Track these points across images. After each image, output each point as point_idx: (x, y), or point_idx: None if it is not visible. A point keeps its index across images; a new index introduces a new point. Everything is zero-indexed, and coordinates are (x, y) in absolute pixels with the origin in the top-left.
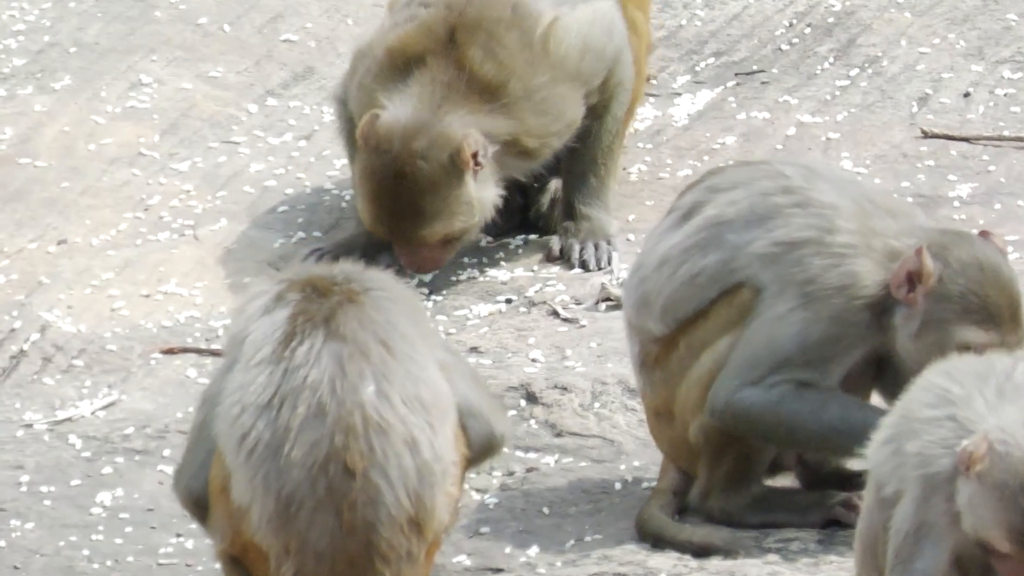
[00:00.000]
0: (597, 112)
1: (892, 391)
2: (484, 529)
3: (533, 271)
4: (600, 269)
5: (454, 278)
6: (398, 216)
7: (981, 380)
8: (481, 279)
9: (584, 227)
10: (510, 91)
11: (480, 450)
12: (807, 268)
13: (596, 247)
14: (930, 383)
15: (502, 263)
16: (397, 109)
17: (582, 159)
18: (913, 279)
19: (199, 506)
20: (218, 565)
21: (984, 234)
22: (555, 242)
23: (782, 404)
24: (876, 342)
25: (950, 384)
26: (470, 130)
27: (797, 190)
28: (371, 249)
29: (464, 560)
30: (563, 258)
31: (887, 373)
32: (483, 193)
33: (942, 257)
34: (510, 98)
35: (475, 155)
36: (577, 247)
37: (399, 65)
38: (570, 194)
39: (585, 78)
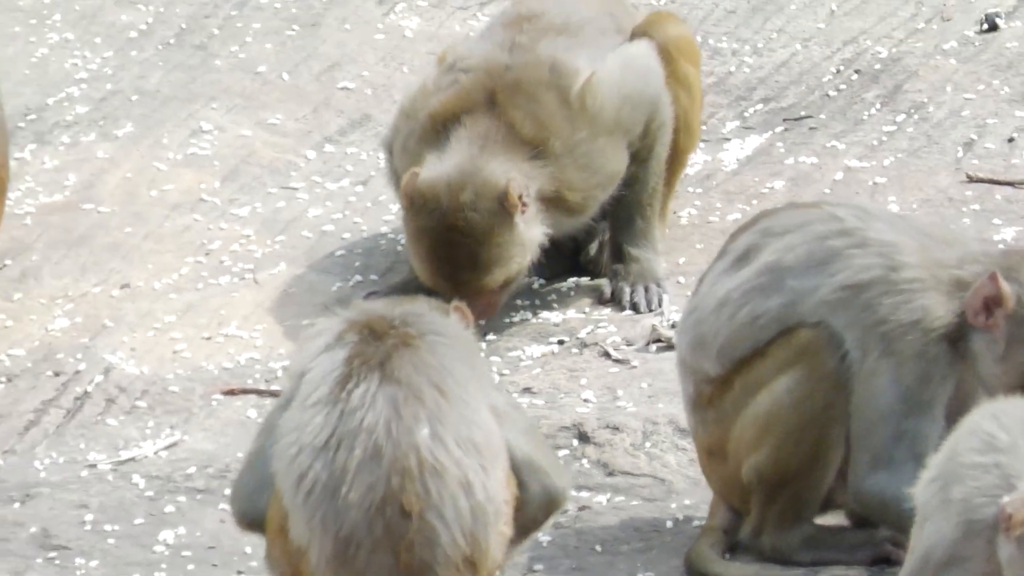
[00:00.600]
0: (641, 157)
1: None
2: (537, 567)
3: (585, 313)
4: (651, 311)
5: (507, 320)
6: (457, 269)
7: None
8: (534, 321)
9: (633, 269)
10: (550, 148)
11: (540, 505)
12: (877, 309)
13: (646, 289)
14: (978, 427)
15: (554, 305)
16: (438, 165)
17: (629, 203)
18: (990, 304)
19: (253, 528)
20: None
21: None
22: (606, 285)
23: (896, 469)
24: (958, 375)
25: (997, 430)
26: (511, 173)
27: (854, 231)
28: (425, 292)
29: None
30: (614, 300)
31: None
32: (531, 233)
33: (1015, 279)
34: (551, 155)
35: (520, 197)
36: (628, 290)
37: (440, 129)
38: (618, 237)
39: (625, 127)
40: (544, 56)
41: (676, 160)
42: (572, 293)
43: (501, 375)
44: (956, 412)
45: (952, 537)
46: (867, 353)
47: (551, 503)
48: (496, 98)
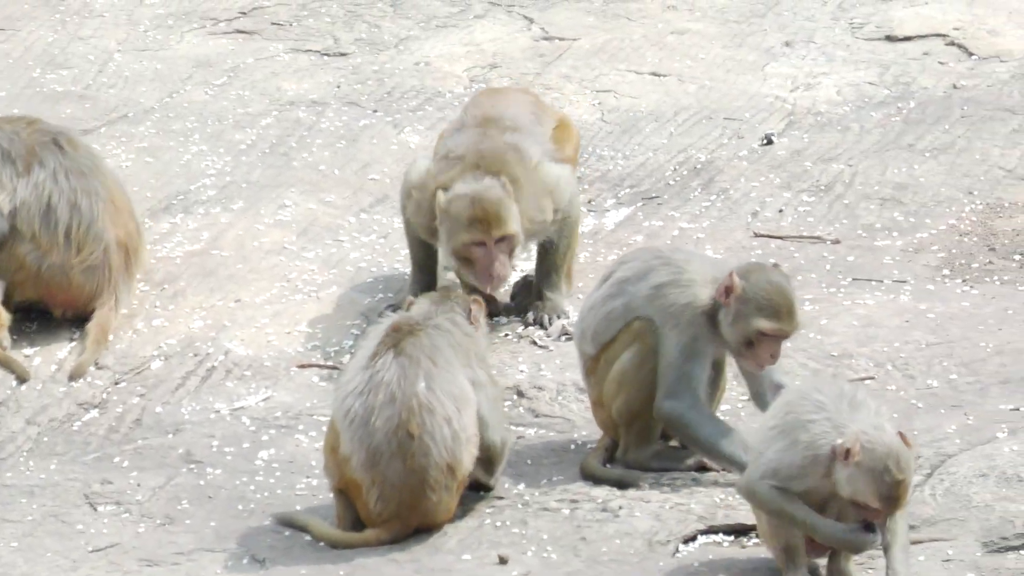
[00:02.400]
0: (559, 227)
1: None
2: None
3: (519, 327)
4: (549, 327)
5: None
6: (489, 220)
7: (839, 397)
8: (493, 329)
9: (547, 306)
10: (518, 192)
11: (486, 451)
12: (669, 299)
13: (556, 317)
14: (808, 395)
15: (503, 321)
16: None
17: (548, 263)
18: (728, 291)
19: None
20: (331, 495)
21: (775, 265)
22: (530, 315)
23: (685, 412)
24: (716, 337)
25: (822, 398)
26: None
27: (664, 257)
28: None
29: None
30: (535, 323)
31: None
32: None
33: (745, 277)
34: (518, 196)
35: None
36: (545, 317)
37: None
38: (540, 285)
39: (554, 196)
40: (508, 144)
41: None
42: (514, 316)
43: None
44: (718, 360)
45: (799, 463)
46: (665, 327)
47: (492, 450)
48: (480, 166)
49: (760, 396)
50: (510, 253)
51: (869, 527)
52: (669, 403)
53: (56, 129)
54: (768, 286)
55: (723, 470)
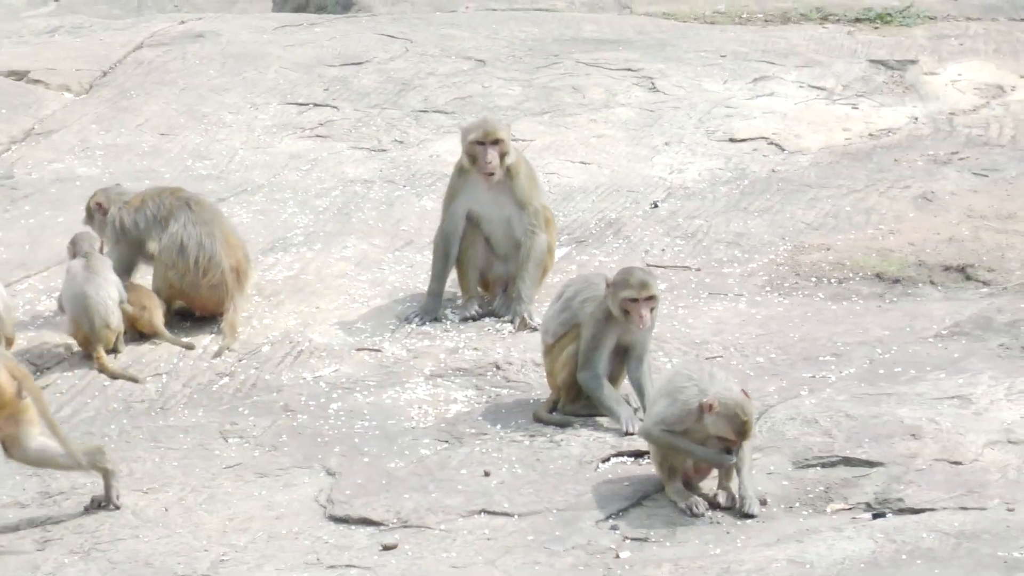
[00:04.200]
0: (533, 231)
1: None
2: (478, 418)
3: (497, 324)
4: (522, 330)
5: (473, 322)
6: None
7: (701, 371)
8: (480, 322)
9: (520, 310)
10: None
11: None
12: (585, 306)
13: (527, 317)
14: (680, 371)
15: (486, 320)
16: None
17: (521, 275)
18: (607, 284)
19: None
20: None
21: (633, 265)
22: (507, 317)
23: (589, 381)
24: (615, 327)
25: (690, 372)
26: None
27: (588, 280)
28: (441, 309)
29: (468, 428)
30: (510, 322)
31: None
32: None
33: (616, 275)
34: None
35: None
36: (517, 319)
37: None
38: (511, 294)
39: (538, 186)
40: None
41: (549, 261)
42: (493, 319)
43: (472, 341)
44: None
45: (679, 415)
46: (584, 325)
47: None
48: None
49: (635, 381)
50: (500, 155)
51: (728, 451)
52: (581, 374)
53: (189, 195)
54: (625, 273)
55: (610, 417)
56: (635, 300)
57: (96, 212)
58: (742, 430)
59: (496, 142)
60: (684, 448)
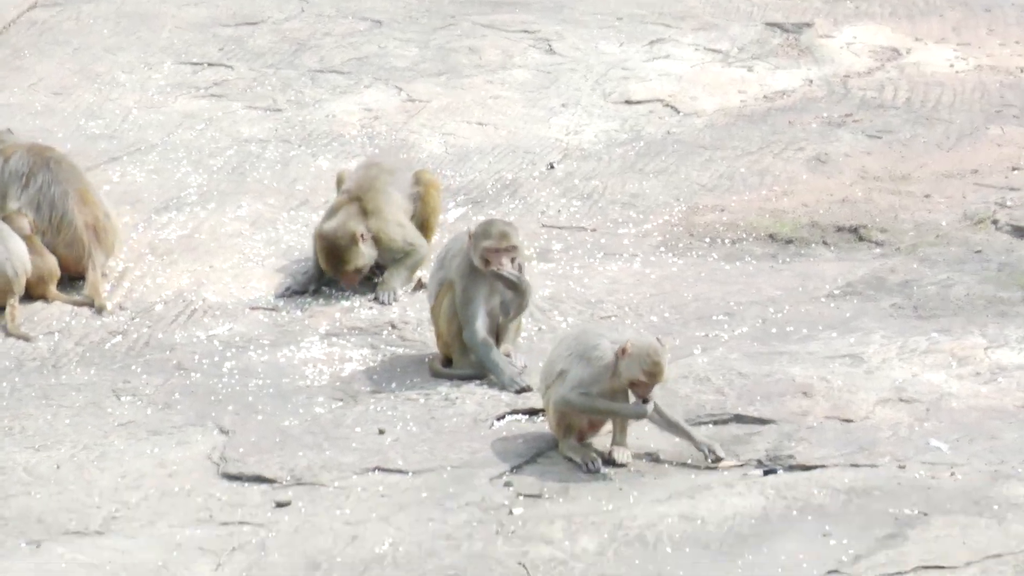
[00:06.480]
0: (407, 247)
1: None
2: (373, 376)
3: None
4: (387, 304)
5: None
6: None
7: (609, 327)
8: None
9: (386, 287)
10: (376, 214)
11: None
12: (454, 262)
13: (388, 295)
14: (587, 330)
15: (368, 295)
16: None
17: (393, 266)
18: (469, 237)
19: None
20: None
21: (490, 218)
22: (380, 293)
23: (470, 338)
24: (486, 281)
25: (599, 330)
26: (358, 226)
27: (458, 236)
28: (319, 281)
29: (362, 387)
30: (375, 299)
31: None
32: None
33: (476, 227)
34: (374, 217)
35: (361, 235)
36: (383, 296)
37: (333, 213)
38: (385, 275)
39: (407, 235)
40: (380, 184)
41: (427, 234)
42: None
43: (367, 300)
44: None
45: (596, 372)
46: (455, 281)
47: None
48: (360, 199)
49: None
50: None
51: (645, 401)
52: (464, 333)
53: (52, 155)
54: (485, 225)
55: (493, 376)
56: (496, 250)
57: None
58: (654, 370)
59: (357, 270)
60: (604, 408)
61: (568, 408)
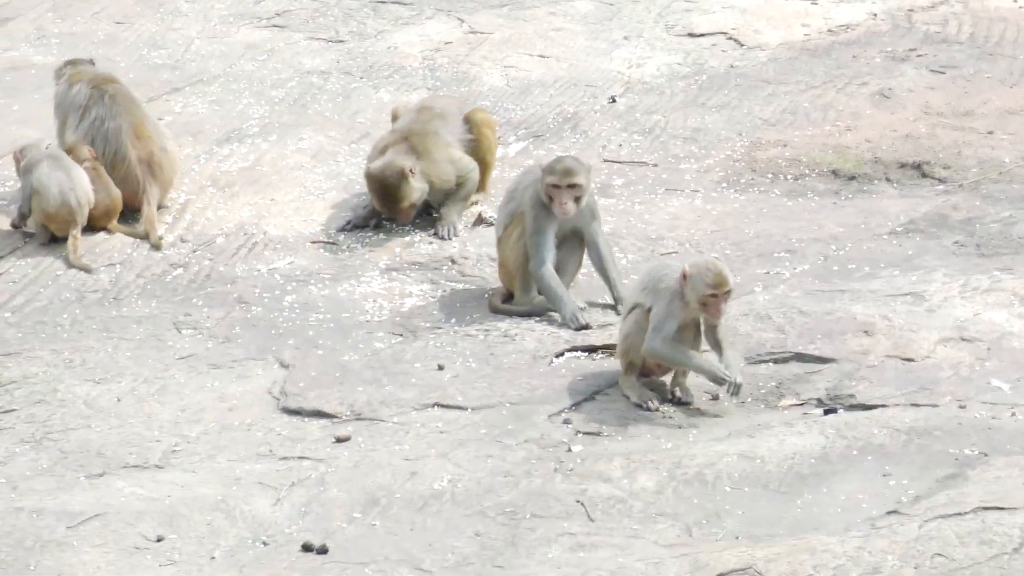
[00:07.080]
0: (462, 184)
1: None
2: (433, 312)
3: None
4: (449, 239)
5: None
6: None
7: (672, 261)
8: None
9: (446, 222)
10: (426, 155)
11: None
12: (526, 194)
13: (448, 230)
14: (657, 267)
15: (429, 229)
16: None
17: (450, 199)
18: (542, 172)
19: None
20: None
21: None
22: (440, 228)
23: (535, 270)
24: (553, 218)
25: (665, 263)
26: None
27: (531, 170)
28: (378, 216)
29: (422, 322)
30: (435, 235)
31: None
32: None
33: (543, 165)
34: (425, 158)
35: (411, 170)
36: (444, 230)
37: (383, 151)
38: (442, 210)
39: (458, 168)
40: (431, 128)
41: (485, 172)
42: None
43: (427, 236)
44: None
45: (667, 307)
46: (526, 213)
47: None
48: (409, 139)
49: (599, 272)
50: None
51: (717, 341)
52: (530, 264)
53: (109, 88)
54: (552, 162)
55: (555, 308)
56: (558, 187)
57: (57, 75)
58: (717, 281)
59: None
60: (686, 361)
61: (657, 358)
